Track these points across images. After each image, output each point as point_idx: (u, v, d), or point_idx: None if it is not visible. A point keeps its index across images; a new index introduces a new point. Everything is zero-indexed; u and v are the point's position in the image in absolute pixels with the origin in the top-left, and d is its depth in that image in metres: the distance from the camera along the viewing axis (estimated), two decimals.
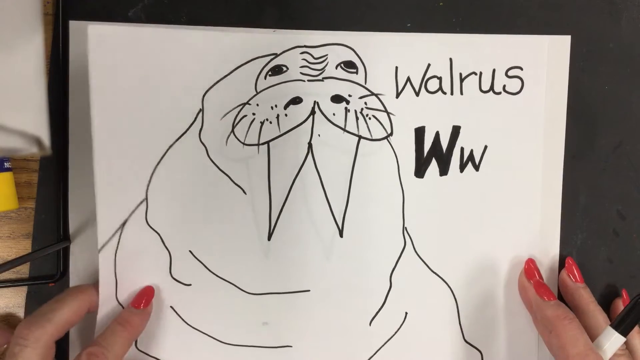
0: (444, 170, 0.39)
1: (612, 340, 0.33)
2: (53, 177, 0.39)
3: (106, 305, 0.37)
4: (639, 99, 0.41)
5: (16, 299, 0.39)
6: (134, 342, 0.38)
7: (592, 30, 0.41)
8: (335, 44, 0.38)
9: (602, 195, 0.41)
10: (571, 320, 0.34)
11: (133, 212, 0.37)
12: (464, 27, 0.40)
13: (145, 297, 0.37)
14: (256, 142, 0.38)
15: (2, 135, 0.22)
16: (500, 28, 0.40)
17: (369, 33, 0.39)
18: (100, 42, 0.36)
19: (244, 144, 0.38)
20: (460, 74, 0.39)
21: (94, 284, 0.37)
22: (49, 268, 0.39)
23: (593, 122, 0.41)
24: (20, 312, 0.39)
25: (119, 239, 0.37)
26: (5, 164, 0.37)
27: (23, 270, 0.39)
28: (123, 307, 0.37)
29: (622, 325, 0.33)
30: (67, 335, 0.38)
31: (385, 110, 0.39)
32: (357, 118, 0.38)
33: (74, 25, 0.38)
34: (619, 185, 0.41)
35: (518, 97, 0.39)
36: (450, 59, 0.39)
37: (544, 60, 0.39)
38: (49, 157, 0.38)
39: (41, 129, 0.23)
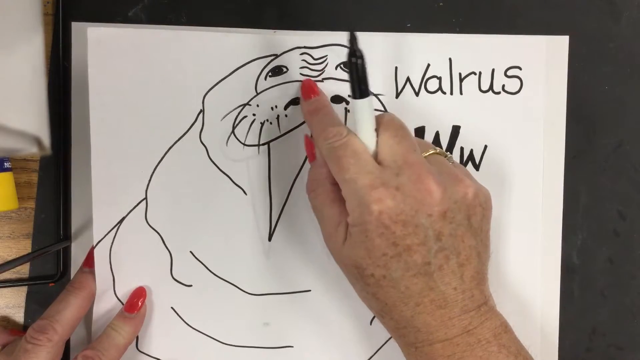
0: None
1: (359, 108, 0.31)
2: (53, 177, 0.39)
3: (103, 299, 0.37)
4: (639, 99, 0.41)
5: (16, 299, 0.39)
6: (134, 343, 0.38)
7: (592, 30, 0.41)
8: (335, 44, 0.38)
9: (602, 195, 0.41)
10: (323, 108, 0.34)
11: (131, 210, 0.37)
12: (464, 27, 0.40)
13: (138, 300, 0.37)
14: (256, 143, 0.38)
15: (2, 135, 0.22)
16: (500, 28, 0.40)
17: (369, 33, 0.39)
18: (100, 44, 0.36)
19: (244, 144, 0.38)
20: (460, 74, 0.39)
21: (91, 275, 0.37)
22: (49, 268, 0.39)
23: (593, 122, 0.41)
24: (20, 312, 0.39)
25: (115, 235, 0.37)
26: (5, 164, 0.37)
27: (23, 270, 0.39)
28: (122, 303, 0.37)
29: (356, 91, 0.31)
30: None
31: (385, 111, 0.39)
32: None
33: (76, 26, 0.38)
34: (619, 185, 0.41)
35: (517, 96, 0.39)
36: (450, 59, 0.39)
37: (543, 60, 0.39)
38: (49, 157, 0.38)
39: (41, 129, 0.23)
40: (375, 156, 0.31)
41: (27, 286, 0.39)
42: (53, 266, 0.39)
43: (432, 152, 0.33)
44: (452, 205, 0.30)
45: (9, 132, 0.22)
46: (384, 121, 0.31)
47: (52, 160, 0.38)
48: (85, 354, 0.34)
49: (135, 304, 0.37)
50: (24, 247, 0.39)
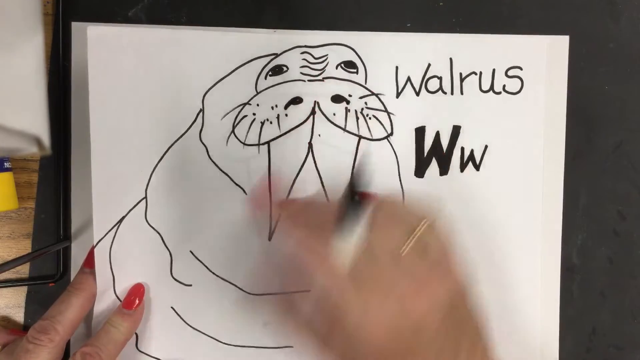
0: (444, 170, 0.39)
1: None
2: (53, 177, 0.39)
3: (103, 298, 0.37)
4: (639, 99, 0.41)
5: (16, 299, 0.39)
6: (134, 342, 0.38)
7: (592, 30, 0.41)
8: (335, 44, 0.38)
9: (602, 195, 0.41)
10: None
11: (131, 209, 0.37)
12: (464, 27, 0.40)
13: (136, 297, 0.37)
14: (256, 142, 0.38)
15: (2, 135, 0.22)
16: (500, 28, 0.40)
17: (370, 33, 0.39)
18: (100, 43, 0.36)
19: (244, 144, 0.38)
20: (461, 74, 0.39)
21: (92, 276, 0.37)
22: (49, 268, 0.39)
23: (593, 122, 0.41)
24: (20, 312, 0.39)
25: (115, 235, 0.37)
26: (5, 164, 0.37)
27: (23, 270, 0.39)
28: (121, 301, 0.37)
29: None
30: None
31: (386, 110, 0.39)
32: (357, 118, 0.38)
33: (76, 26, 0.38)
34: (619, 185, 0.41)
35: (518, 96, 0.39)
36: (451, 59, 0.39)
37: (544, 60, 0.39)
38: (49, 157, 0.38)
39: (41, 129, 0.23)
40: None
41: (27, 286, 0.39)
42: (53, 266, 0.39)
43: (405, 247, 0.31)
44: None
45: (9, 132, 0.22)
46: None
47: (52, 160, 0.38)
48: (84, 351, 0.34)
49: (134, 300, 0.37)
50: (24, 247, 0.39)
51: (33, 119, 0.23)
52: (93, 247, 0.37)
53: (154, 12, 0.38)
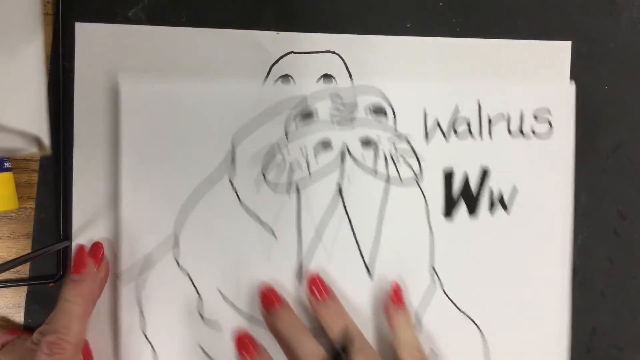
0: (473, 212, 0.40)
1: None
2: (53, 177, 0.39)
3: (131, 339, 0.37)
4: (639, 99, 0.41)
5: (16, 299, 0.39)
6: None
7: (592, 30, 0.41)
8: (364, 87, 0.38)
9: (602, 195, 0.41)
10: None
11: (161, 250, 0.37)
12: (464, 27, 0.40)
13: (84, 257, 0.34)
14: (286, 187, 0.38)
15: (2, 135, 0.22)
16: (500, 28, 0.40)
17: (399, 77, 0.39)
18: (132, 95, 0.36)
19: (274, 188, 0.38)
20: (489, 117, 0.39)
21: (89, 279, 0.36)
22: (49, 268, 0.39)
23: (593, 122, 0.41)
24: (20, 312, 0.39)
25: (141, 271, 0.37)
26: (5, 164, 0.37)
27: (23, 270, 0.39)
28: (151, 343, 0.37)
29: None
30: None
31: (415, 154, 0.39)
32: (386, 161, 0.38)
33: (79, 26, 0.38)
34: (619, 185, 0.41)
35: (547, 140, 0.40)
36: (479, 102, 0.39)
37: (572, 105, 0.40)
38: (49, 157, 0.38)
39: (41, 129, 0.23)
40: None
41: (27, 286, 0.39)
42: (53, 266, 0.39)
43: None
44: None
45: (9, 132, 0.22)
46: None
47: (52, 160, 0.38)
48: (49, 340, 0.30)
49: (83, 262, 0.34)
50: (24, 247, 0.39)
51: (33, 119, 0.23)
52: (80, 246, 0.37)
53: (154, 12, 0.38)
